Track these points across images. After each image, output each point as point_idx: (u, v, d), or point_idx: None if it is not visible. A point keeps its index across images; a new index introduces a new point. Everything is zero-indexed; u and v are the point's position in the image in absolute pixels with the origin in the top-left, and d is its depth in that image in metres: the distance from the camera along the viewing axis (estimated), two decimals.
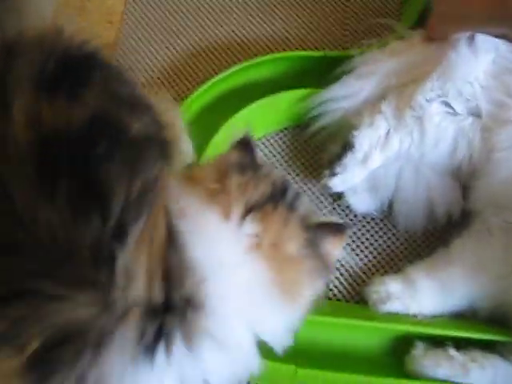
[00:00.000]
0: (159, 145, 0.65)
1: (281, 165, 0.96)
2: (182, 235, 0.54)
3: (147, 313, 0.51)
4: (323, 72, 0.93)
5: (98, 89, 0.59)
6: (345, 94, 0.91)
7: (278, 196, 0.62)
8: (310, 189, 0.94)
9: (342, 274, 0.88)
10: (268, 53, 1.05)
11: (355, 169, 0.85)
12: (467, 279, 0.81)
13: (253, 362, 0.60)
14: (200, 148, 0.89)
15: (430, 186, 0.88)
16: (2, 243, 0.49)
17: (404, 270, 0.85)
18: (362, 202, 0.91)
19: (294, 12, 1.10)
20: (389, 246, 0.90)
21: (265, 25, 1.09)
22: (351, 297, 0.87)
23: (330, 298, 0.87)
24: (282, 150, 0.97)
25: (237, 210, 0.58)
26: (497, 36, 0.84)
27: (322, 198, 0.94)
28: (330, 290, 0.87)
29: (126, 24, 1.10)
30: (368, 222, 0.92)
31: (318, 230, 0.63)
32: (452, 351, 0.78)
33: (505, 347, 0.78)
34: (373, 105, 0.88)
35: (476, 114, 0.84)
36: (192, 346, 0.53)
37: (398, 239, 0.91)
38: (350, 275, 0.88)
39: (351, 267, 0.89)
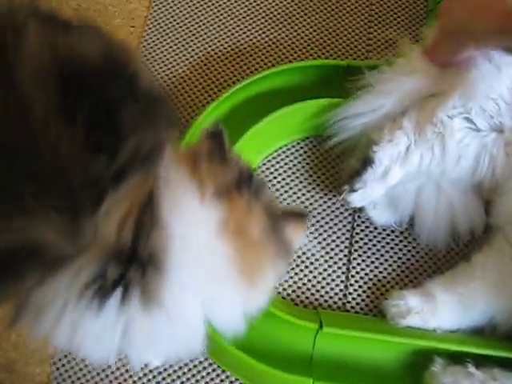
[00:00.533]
0: (168, 108, 0.68)
1: (301, 174, 0.96)
2: (159, 202, 0.57)
3: (112, 255, 0.53)
4: (345, 81, 0.92)
5: (92, 32, 0.61)
6: (364, 111, 0.90)
7: (244, 183, 0.65)
8: (330, 199, 0.94)
9: (360, 287, 0.88)
10: (290, 61, 1.05)
11: (375, 184, 0.85)
12: (488, 295, 0.81)
13: (197, 343, 0.61)
14: None
15: (452, 203, 0.87)
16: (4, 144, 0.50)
17: (424, 284, 0.84)
18: (382, 216, 0.90)
19: (317, 20, 1.10)
20: (409, 259, 0.89)
21: (287, 31, 1.09)
22: (369, 309, 0.87)
23: (347, 311, 0.87)
24: (303, 160, 0.97)
25: (207, 194, 0.61)
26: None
27: (342, 209, 0.93)
28: (348, 302, 0.87)
29: (149, 29, 1.10)
30: (388, 235, 0.91)
31: (280, 217, 0.65)
32: (472, 368, 0.77)
33: None
34: (393, 120, 0.87)
35: (499, 129, 0.82)
36: (147, 304, 0.55)
37: (418, 252, 0.90)
38: (369, 287, 0.88)
39: (370, 279, 0.88)
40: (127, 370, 0.83)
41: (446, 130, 0.82)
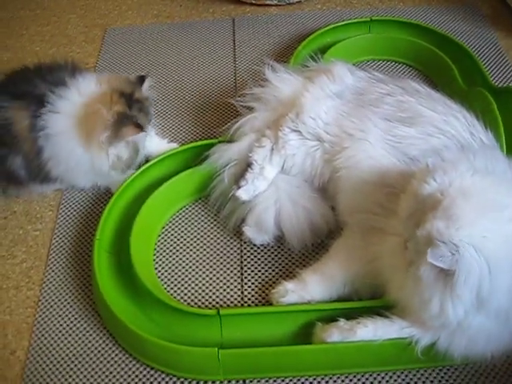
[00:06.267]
0: None
1: (200, 225, 1.25)
2: None
3: None
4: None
5: None
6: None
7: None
8: (222, 235, 1.23)
9: (253, 288, 1.14)
10: None
11: (256, 180, 1.16)
12: (341, 268, 1.07)
13: None
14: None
15: (308, 209, 1.16)
16: None
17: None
18: (258, 236, 1.19)
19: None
20: (286, 259, 1.17)
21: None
22: (260, 301, 1.12)
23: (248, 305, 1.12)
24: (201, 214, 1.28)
25: None
26: None
27: (232, 240, 1.22)
28: (245, 302, 1.12)
29: None
30: (269, 249, 1.20)
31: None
32: (342, 321, 1.00)
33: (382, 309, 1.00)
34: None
35: (320, 139, 1.16)
36: None
37: (290, 255, 1.18)
38: (260, 286, 1.14)
39: (261, 280, 1.15)
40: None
41: (286, 139, 1.17)
